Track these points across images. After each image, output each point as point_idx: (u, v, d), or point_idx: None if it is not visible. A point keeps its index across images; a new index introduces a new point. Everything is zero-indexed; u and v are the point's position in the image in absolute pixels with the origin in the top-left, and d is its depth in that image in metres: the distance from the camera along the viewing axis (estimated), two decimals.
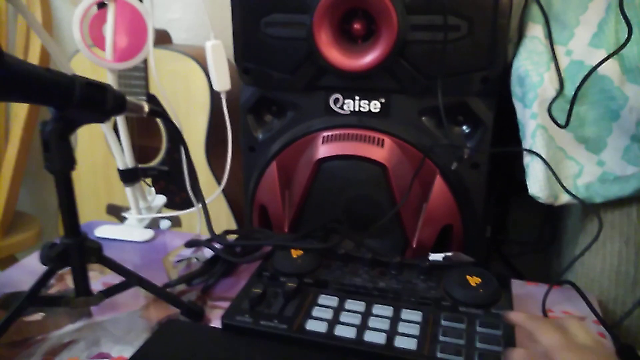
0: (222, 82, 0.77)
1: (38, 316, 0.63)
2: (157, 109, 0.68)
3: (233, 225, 1.13)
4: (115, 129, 0.82)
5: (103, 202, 1.26)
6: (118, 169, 0.82)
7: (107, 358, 0.56)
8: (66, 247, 0.58)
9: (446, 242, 0.77)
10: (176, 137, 0.75)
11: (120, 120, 0.81)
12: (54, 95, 0.52)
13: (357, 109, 0.76)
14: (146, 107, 0.65)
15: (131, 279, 0.61)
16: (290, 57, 0.76)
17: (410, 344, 0.52)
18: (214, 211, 1.13)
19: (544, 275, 0.91)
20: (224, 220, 1.13)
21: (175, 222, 1.16)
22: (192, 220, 1.16)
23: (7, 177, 1.26)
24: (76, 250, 0.58)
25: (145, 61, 1.13)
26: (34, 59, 1.24)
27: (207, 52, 0.76)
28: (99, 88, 0.57)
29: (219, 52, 0.76)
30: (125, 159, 0.82)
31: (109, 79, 0.78)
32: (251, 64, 0.78)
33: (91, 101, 0.56)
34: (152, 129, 1.18)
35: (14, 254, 1.32)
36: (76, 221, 0.59)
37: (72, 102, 0.53)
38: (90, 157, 1.25)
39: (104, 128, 0.80)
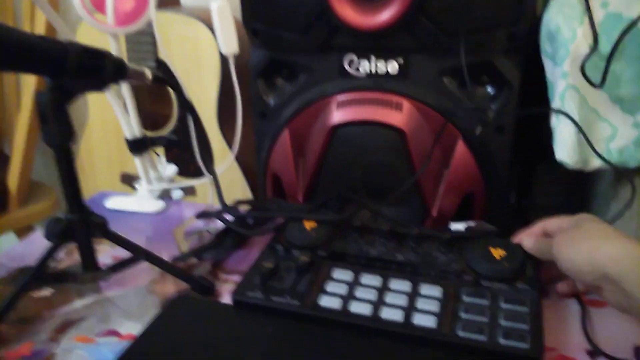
0: (230, 45, 0.73)
1: (47, 292, 0.62)
2: (161, 76, 0.65)
3: (248, 195, 1.10)
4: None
5: (117, 170, 1.25)
6: (125, 139, 0.79)
7: (115, 335, 0.54)
8: (70, 222, 0.56)
9: (468, 211, 0.73)
10: (184, 104, 0.71)
11: (125, 88, 0.78)
12: (47, 64, 0.49)
13: (373, 71, 0.71)
14: (149, 74, 0.62)
15: (138, 253, 0.59)
16: (300, 16, 0.71)
17: (429, 322, 0.49)
18: (228, 180, 1.11)
19: None
20: (238, 189, 1.10)
21: (190, 191, 1.14)
22: (207, 189, 1.14)
23: (20, 147, 1.26)
24: (80, 225, 0.56)
25: (153, 26, 1.09)
26: (39, 28, 1.21)
27: (212, 14, 0.72)
28: (96, 55, 0.53)
29: (225, 14, 0.72)
30: (133, 128, 0.79)
31: (111, 45, 0.74)
32: (260, 24, 0.74)
33: (88, 69, 0.53)
34: (163, 95, 1.15)
35: (32, 223, 1.33)
36: (79, 196, 0.57)
37: (67, 70, 0.50)
38: (102, 125, 1.23)
39: (110, 96, 0.77)
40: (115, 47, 0.75)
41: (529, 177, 0.98)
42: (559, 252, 0.50)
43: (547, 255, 0.53)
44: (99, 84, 0.55)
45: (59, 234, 0.55)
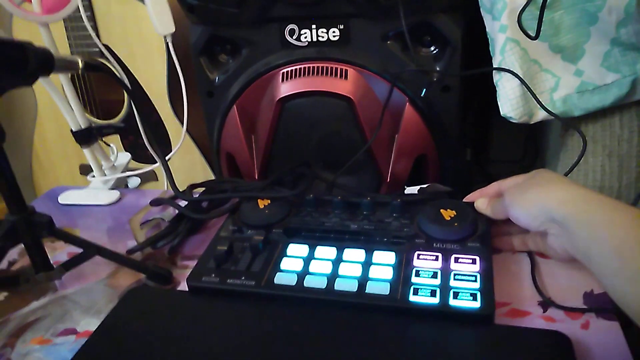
0: (165, 24, 0.71)
1: (1, 296, 0.60)
2: (95, 63, 0.62)
3: (210, 175, 1.09)
4: (74, 84, 0.77)
5: (75, 163, 1.22)
6: (71, 131, 0.77)
7: (73, 334, 0.54)
8: (13, 224, 0.54)
9: (423, 173, 0.73)
10: (125, 89, 0.69)
11: (63, 78, 0.75)
12: None
13: (315, 39, 0.70)
14: (80, 62, 0.60)
15: (89, 249, 0.58)
16: None
17: (382, 289, 0.49)
18: (188, 162, 1.09)
19: None
20: (199, 170, 1.09)
21: (151, 177, 1.12)
22: None
23: None
24: (24, 226, 0.55)
25: (92, 10, 1.05)
26: None
27: None
28: (16, 47, 0.50)
29: None
30: (77, 119, 0.76)
31: (43, 35, 0.71)
32: (194, 0, 0.71)
33: (8, 62, 0.50)
34: (113, 81, 1.11)
35: None
36: (19, 195, 0.55)
37: None
38: (54, 118, 1.20)
39: (49, 88, 0.74)
40: (47, 37, 0.72)
41: (485, 131, 0.99)
42: (510, 201, 0.50)
43: (500, 215, 0.54)
44: (25, 78, 0.53)
45: (2, 237, 0.54)
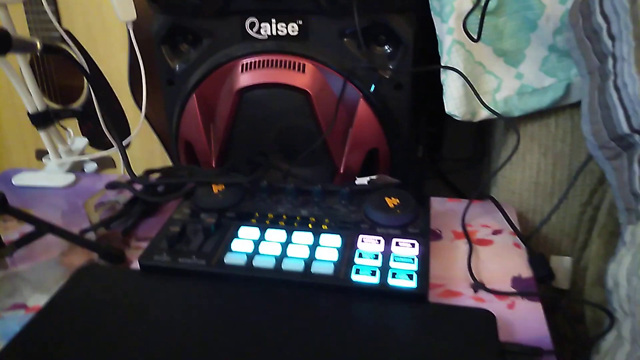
0: (126, 11, 0.72)
1: None
2: (53, 45, 0.63)
3: (168, 162, 1.10)
4: (32, 67, 0.77)
5: (31, 148, 1.20)
6: (28, 113, 0.77)
7: (22, 308, 0.54)
8: None
9: (375, 166, 0.76)
10: (83, 73, 0.70)
11: (21, 60, 0.75)
12: None
13: (274, 33, 0.72)
14: (39, 44, 0.61)
15: (41, 227, 0.58)
16: None
17: (327, 269, 0.52)
18: (148, 151, 1.10)
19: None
20: (158, 159, 1.10)
21: (109, 163, 1.12)
22: None
23: None
24: None
25: None
26: None
27: None
28: None
29: None
30: (34, 102, 0.76)
31: (0, 16, 0.71)
32: None
33: None
34: (72, 67, 1.11)
35: None
36: None
37: None
38: (10, 101, 1.18)
39: (6, 70, 0.74)
40: (5, 17, 0.71)
41: (439, 129, 1.03)
42: None
43: None
44: None
45: None
